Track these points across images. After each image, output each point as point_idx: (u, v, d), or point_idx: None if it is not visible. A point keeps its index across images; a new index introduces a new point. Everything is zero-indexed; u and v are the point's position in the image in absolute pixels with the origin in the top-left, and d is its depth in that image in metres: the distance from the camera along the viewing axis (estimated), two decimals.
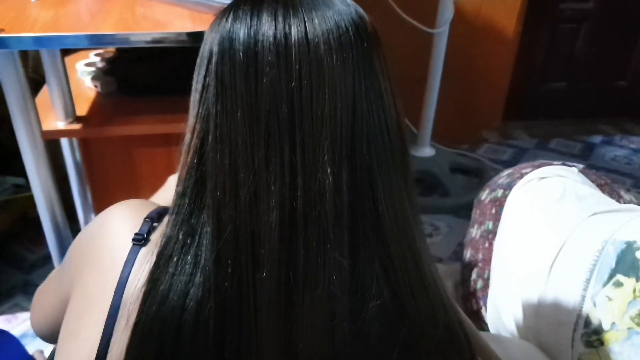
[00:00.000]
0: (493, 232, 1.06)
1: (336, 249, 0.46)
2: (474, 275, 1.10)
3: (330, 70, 0.46)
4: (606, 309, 0.74)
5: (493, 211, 1.08)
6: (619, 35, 2.59)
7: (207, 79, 0.48)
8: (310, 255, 0.46)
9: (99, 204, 1.26)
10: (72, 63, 1.37)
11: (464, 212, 1.87)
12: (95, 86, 1.29)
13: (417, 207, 0.54)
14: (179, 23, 0.96)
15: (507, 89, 2.52)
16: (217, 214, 0.47)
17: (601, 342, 0.75)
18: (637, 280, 0.72)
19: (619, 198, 1.06)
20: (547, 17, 2.48)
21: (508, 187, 1.06)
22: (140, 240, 0.54)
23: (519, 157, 2.36)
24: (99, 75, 1.31)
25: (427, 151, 2.10)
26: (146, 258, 0.51)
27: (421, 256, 0.51)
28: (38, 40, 0.88)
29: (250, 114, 0.46)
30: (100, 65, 1.36)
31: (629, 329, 0.72)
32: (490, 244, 1.06)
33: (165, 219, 0.53)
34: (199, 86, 0.49)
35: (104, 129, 1.12)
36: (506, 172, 1.16)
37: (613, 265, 0.75)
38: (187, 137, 0.50)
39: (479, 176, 2.14)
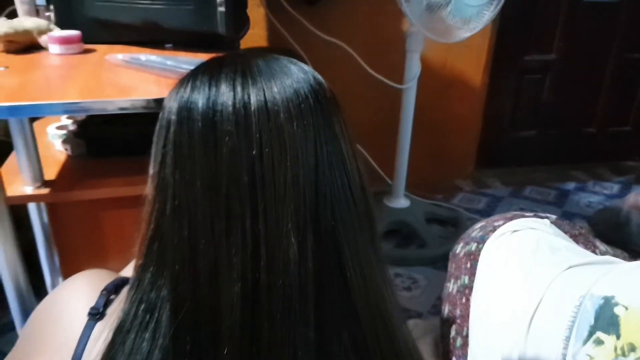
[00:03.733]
0: (469, 287, 1.04)
1: (302, 320, 0.45)
2: (452, 333, 1.07)
3: (291, 137, 0.45)
4: None
5: (468, 265, 1.07)
6: (583, 83, 2.67)
7: (166, 149, 0.47)
8: (275, 329, 0.44)
9: (67, 268, 1.23)
10: (43, 126, 1.36)
11: (442, 263, 1.86)
12: (66, 149, 1.27)
13: (387, 271, 0.53)
14: (145, 88, 0.96)
15: (478, 137, 2.57)
16: (176, 288, 0.46)
17: None
18: (617, 338, 0.71)
19: (594, 249, 1.06)
20: (513, 68, 2.55)
21: (481, 240, 1.06)
22: (95, 314, 0.52)
23: (494, 206, 2.37)
24: (70, 138, 1.29)
25: (402, 202, 2.11)
26: (101, 333, 0.49)
27: (393, 322, 0.50)
28: (11, 109, 0.86)
29: (210, 183, 0.45)
30: (72, 128, 1.35)
31: None
32: (467, 300, 1.04)
33: (124, 291, 0.51)
34: (158, 156, 0.48)
35: (72, 193, 1.09)
36: (479, 224, 1.15)
37: (592, 321, 0.74)
38: (146, 208, 0.49)
39: (455, 226, 2.14)
